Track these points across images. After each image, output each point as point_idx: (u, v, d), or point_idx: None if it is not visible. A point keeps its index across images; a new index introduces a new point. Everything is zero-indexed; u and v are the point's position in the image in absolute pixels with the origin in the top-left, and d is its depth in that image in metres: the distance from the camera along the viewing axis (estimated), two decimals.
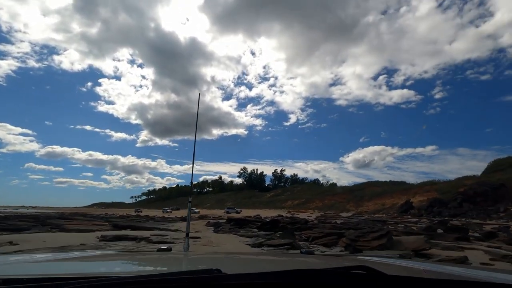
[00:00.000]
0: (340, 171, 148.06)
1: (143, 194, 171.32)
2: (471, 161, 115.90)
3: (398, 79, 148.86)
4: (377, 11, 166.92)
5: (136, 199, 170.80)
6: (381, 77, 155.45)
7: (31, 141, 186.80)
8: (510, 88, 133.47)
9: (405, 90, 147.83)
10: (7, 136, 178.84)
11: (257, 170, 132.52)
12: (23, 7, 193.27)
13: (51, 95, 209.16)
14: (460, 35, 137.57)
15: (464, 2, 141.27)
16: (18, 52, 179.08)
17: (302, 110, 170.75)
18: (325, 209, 51.60)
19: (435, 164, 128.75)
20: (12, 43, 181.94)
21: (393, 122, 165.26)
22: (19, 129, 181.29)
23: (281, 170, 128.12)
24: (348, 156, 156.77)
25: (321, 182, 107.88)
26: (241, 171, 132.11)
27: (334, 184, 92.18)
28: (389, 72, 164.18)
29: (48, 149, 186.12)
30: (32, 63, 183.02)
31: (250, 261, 1.50)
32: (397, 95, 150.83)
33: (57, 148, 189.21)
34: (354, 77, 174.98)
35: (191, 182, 5.52)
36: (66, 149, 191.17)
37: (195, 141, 5.23)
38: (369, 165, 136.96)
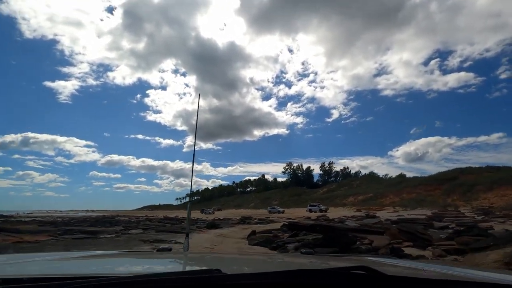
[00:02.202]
0: (389, 166, 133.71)
1: (187, 195, 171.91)
2: None
3: (454, 61, 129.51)
4: None
5: (181, 201, 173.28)
6: (433, 62, 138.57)
7: (93, 151, 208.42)
8: None
9: (462, 73, 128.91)
10: (74, 148, 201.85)
11: (302, 165, 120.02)
12: (81, 31, 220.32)
13: (107, 109, 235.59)
14: None
15: None
16: (79, 73, 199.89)
17: (345, 104, 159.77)
18: (412, 205, 37.72)
19: (503, 154, 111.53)
20: (74, 65, 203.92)
21: (449, 110, 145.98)
22: (84, 142, 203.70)
23: (330, 163, 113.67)
24: (397, 150, 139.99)
25: (379, 175, 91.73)
26: (286, 167, 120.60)
27: (402, 175, 75.78)
28: (442, 55, 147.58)
29: (108, 158, 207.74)
30: (91, 81, 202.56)
31: (250, 261, 1.51)
32: (453, 79, 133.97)
33: (115, 157, 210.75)
34: (401, 64, 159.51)
35: (191, 185, 5.03)
36: (122, 157, 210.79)
37: (194, 142, 5.18)
38: (422, 158, 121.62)
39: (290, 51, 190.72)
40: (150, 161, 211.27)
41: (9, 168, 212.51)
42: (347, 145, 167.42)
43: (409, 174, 75.70)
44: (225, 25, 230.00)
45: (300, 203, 73.32)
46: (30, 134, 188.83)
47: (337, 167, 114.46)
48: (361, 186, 71.25)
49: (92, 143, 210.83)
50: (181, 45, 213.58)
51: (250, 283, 0.65)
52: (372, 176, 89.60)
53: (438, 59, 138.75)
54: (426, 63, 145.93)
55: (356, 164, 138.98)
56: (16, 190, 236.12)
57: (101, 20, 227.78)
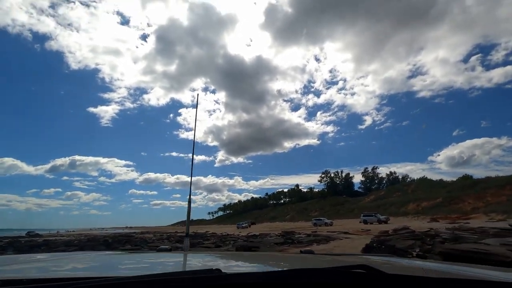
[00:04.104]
0: (430, 172, 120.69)
1: (220, 209, 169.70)
2: None
3: (498, 55, 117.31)
4: None
5: (213, 215, 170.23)
6: (473, 58, 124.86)
7: (132, 170, 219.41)
8: None
9: (509, 67, 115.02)
10: (115, 168, 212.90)
11: (341, 172, 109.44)
12: (119, 59, 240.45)
13: (144, 130, 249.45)
14: None
15: None
16: (118, 98, 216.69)
17: (378, 109, 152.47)
18: None
19: None
20: (113, 91, 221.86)
21: (497, 107, 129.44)
22: (123, 162, 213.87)
23: (374, 168, 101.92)
24: (439, 155, 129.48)
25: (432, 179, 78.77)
26: (322, 176, 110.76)
27: (468, 177, 63.26)
28: (484, 49, 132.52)
29: (145, 176, 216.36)
30: (128, 104, 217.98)
31: (250, 261, 1.53)
32: (498, 75, 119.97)
33: (152, 175, 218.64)
34: (437, 63, 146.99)
35: (190, 184, 5.08)
36: (158, 175, 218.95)
37: (194, 142, 5.55)
38: (468, 162, 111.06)
39: (317, 60, 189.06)
40: (184, 178, 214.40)
41: (59, 189, 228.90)
42: (383, 152, 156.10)
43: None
44: (251, 40, 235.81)
45: (344, 213, 63.97)
46: (77, 157, 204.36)
47: (382, 173, 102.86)
48: (418, 191, 60.11)
49: (130, 163, 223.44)
50: (210, 64, 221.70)
51: (250, 282, 0.65)
52: (425, 180, 77.16)
53: (479, 54, 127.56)
54: (465, 60, 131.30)
55: (393, 171, 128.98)
56: (65, 210, 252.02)
57: (136, 47, 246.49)
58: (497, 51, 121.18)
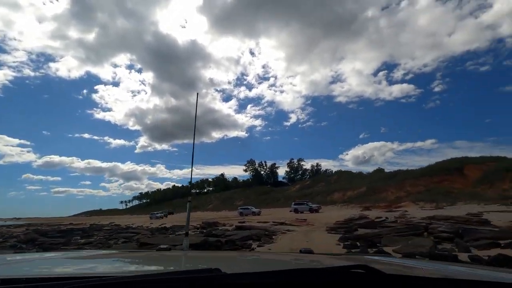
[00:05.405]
0: (340, 168, 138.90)
1: (135, 198, 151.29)
2: (469, 153, 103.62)
3: (398, 73, 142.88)
4: (376, 5, 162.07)
5: (126, 205, 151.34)
6: (381, 73, 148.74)
7: (28, 151, 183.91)
8: (510, 79, 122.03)
9: (404, 85, 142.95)
10: (4, 148, 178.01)
11: (266, 162, 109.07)
12: (18, 14, 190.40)
13: (48, 104, 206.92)
14: (459, 27, 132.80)
15: None
16: (13, 62, 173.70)
17: (302, 109, 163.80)
18: (438, 199, 28.00)
19: (434, 158, 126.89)
20: (7, 52, 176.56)
21: (393, 117, 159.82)
22: (17, 141, 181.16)
23: (299, 160, 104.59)
24: (347, 154, 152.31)
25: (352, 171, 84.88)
26: (247, 165, 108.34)
27: (381, 170, 68.72)
28: (389, 67, 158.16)
29: (46, 159, 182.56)
30: (28, 72, 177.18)
31: (249, 261, 1.51)
32: (397, 90, 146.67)
33: (55, 158, 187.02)
34: (354, 73, 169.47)
35: (191, 181, 6.49)
36: (64, 158, 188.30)
37: (194, 138, 5.19)
38: (368, 161, 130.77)
39: (252, 53, 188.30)
40: (97, 163, 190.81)
41: None
42: (303, 148, 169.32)
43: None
44: (186, 22, 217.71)
45: (270, 202, 61.75)
46: None
47: (306, 165, 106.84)
48: (340, 182, 62.10)
49: (27, 143, 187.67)
50: (138, 40, 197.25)
51: (250, 282, 0.65)
52: (346, 172, 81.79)
53: (385, 70, 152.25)
54: (375, 73, 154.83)
55: (309, 166, 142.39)
56: None
57: (44, 3, 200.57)
58: (398, 70, 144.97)
